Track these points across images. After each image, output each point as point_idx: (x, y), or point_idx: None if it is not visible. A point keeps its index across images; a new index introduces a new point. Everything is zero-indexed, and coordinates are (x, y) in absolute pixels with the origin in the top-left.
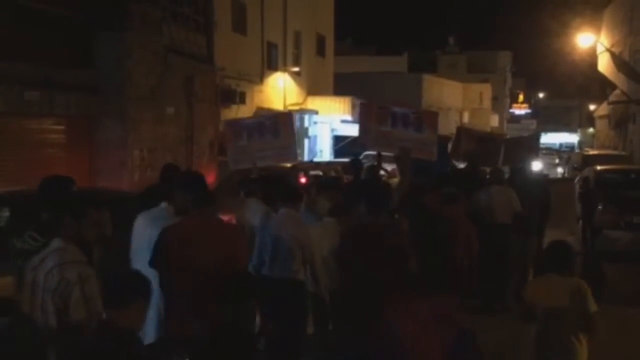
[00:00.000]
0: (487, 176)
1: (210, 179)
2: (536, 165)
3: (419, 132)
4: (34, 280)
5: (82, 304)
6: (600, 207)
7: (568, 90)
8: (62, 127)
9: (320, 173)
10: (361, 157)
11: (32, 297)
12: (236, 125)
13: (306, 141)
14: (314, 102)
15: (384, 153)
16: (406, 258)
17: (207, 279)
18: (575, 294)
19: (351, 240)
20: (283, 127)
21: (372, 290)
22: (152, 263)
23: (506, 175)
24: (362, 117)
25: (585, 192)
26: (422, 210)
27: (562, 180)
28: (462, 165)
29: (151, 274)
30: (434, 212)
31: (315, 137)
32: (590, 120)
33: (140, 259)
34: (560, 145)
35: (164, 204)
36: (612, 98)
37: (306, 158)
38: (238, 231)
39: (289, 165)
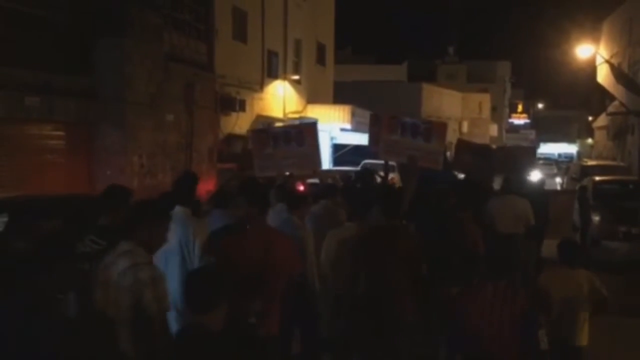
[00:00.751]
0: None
1: (209, 186)
2: (535, 175)
3: (427, 142)
4: (107, 279)
5: (153, 303)
6: (598, 218)
7: (567, 101)
8: (61, 133)
9: (317, 181)
10: (360, 165)
11: (105, 294)
12: (263, 133)
13: None
14: (313, 111)
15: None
16: (419, 258)
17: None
18: (584, 284)
19: (368, 241)
20: (308, 136)
21: (388, 287)
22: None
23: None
24: (373, 127)
25: (582, 203)
26: (436, 215)
27: (562, 192)
28: (461, 176)
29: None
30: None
31: None
32: (588, 131)
33: (169, 258)
34: (559, 155)
35: (178, 207)
36: (610, 109)
37: None
38: (289, 239)
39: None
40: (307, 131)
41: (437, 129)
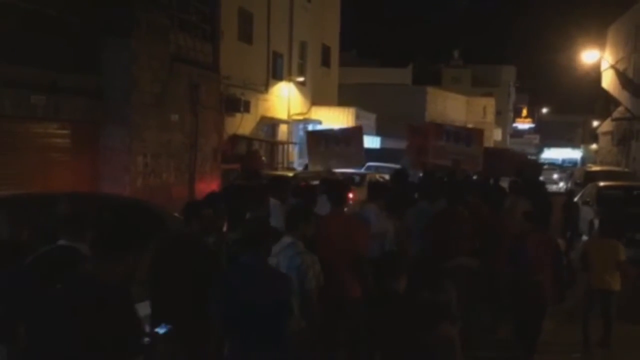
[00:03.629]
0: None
1: (213, 186)
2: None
3: (468, 146)
4: (277, 263)
5: (312, 280)
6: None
7: (572, 106)
8: (67, 132)
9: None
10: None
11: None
12: (317, 134)
13: None
14: (318, 112)
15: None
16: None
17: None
18: (612, 250)
19: (440, 219)
20: (354, 138)
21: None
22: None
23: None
24: (412, 136)
25: (569, 204)
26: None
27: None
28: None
29: None
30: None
31: None
32: (593, 136)
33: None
34: (563, 161)
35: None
36: (615, 115)
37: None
38: (362, 223)
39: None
40: (353, 134)
41: (476, 135)
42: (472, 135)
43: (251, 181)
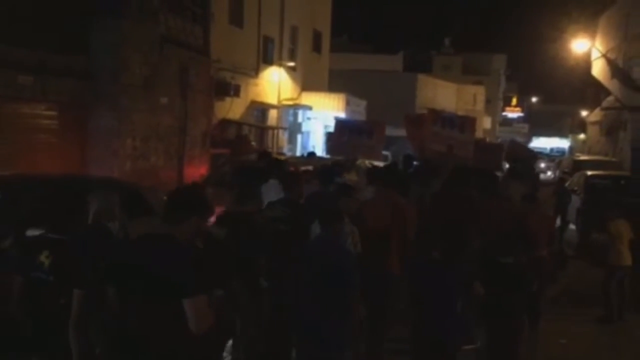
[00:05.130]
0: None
1: (202, 170)
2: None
3: (462, 133)
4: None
5: (351, 246)
6: (589, 213)
7: (561, 96)
8: (54, 113)
9: (311, 168)
10: None
11: None
12: (344, 124)
13: (299, 137)
14: (308, 98)
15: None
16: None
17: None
18: (624, 226)
19: (441, 199)
20: (377, 131)
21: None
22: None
23: None
24: (410, 125)
25: (560, 192)
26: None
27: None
28: None
29: None
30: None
31: (308, 132)
32: (581, 126)
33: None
34: (551, 150)
35: (272, 180)
36: (605, 104)
37: (298, 153)
38: (406, 205)
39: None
40: (376, 128)
41: (469, 122)
42: (465, 123)
43: (261, 161)
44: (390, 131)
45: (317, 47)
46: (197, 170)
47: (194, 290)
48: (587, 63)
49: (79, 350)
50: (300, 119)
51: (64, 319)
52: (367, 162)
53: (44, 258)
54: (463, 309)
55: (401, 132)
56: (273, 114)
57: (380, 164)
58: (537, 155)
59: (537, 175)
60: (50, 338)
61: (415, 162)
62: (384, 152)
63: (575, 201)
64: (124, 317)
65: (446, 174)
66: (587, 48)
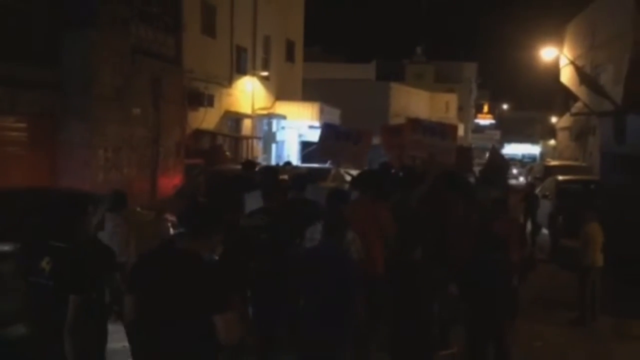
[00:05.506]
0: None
1: (176, 180)
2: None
3: (443, 140)
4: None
5: (355, 253)
6: (560, 217)
7: (531, 102)
8: (24, 125)
9: (286, 177)
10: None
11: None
12: (331, 128)
13: (274, 146)
14: (282, 107)
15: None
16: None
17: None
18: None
19: (427, 204)
20: (364, 138)
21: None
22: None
23: None
24: (387, 135)
25: (529, 197)
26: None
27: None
28: None
29: None
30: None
31: (282, 142)
32: (551, 132)
33: None
34: (523, 156)
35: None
36: (574, 110)
37: (273, 162)
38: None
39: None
40: (364, 135)
41: (450, 129)
42: (446, 130)
43: (247, 171)
44: None
45: (290, 57)
46: (171, 181)
47: (224, 306)
48: (555, 70)
49: (73, 355)
50: (274, 129)
51: (60, 325)
52: (342, 170)
53: (45, 264)
54: (440, 310)
55: (375, 140)
56: (247, 123)
57: (354, 172)
58: (509, 162)
59: (506, 181)
60: (48, 342)
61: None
62: None
63: (547, 206)
64: (141, 329)
65: (430, 180)
66: (556, 55)
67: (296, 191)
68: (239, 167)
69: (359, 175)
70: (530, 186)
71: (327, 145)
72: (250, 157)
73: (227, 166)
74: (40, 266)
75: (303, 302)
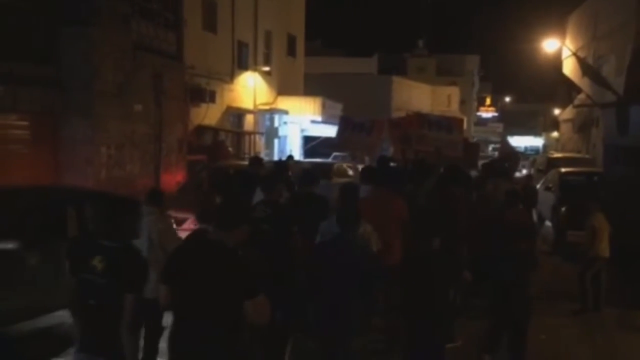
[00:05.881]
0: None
1: (179, 177)
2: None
3: (450, 134)
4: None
5: (373, 245)
6: (564, 209)
7: (533, 95)
8: (26, 123)
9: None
10: (331, 157)
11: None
12: (348, 120)
13: (276, 141)
14: (284, 102)
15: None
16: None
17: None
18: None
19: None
20: (377, 129)
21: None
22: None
23: None
24: (392, 129)
25: (527, 189)
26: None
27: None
28: None
29: None
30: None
31: (285, 137)
32: (554, 124)
33: None
34: (525, 148)
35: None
36: (576, 102)
37: (275, 157)
38: (402, 200)
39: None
40: (376, 125)
41: (455, 122)
42: (452, 124)
43: (255, 168)
44: None
45: (291, 52)
46: (173, 178)
47: (256, 291)
48: (558, 61)
49: (130, 350)
50: (276, 124)
51: (115, 320)
52: (344, 165)
53: (97, 262)
54: (454, 296)
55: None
56: (249, 119)
57: (359, 166)
58: (519, 153)
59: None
60: (107, 340)
61: (392, 164)
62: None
63: (551, 198)
64: (178, 315)
65: (438, 173)
66: (558, 47)
67: (305, 185)
68: (242, 162)
69: (370, 168)
70: (528, 178)
71: (345, 138)
72: (253, 152)
73: (230, 162)
74: (92, 264)
75: (320, 294)
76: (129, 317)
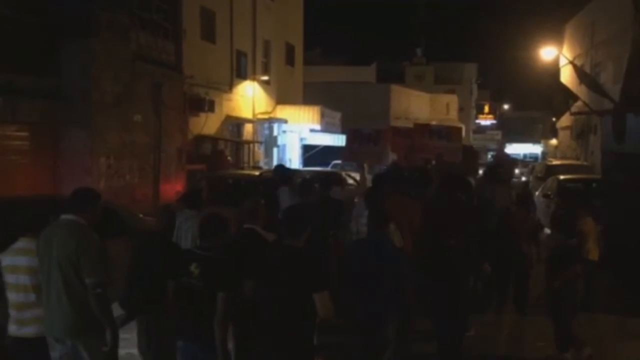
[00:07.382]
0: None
1: (178, 186)
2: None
3: (450, 142)
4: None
5: (397, 241)
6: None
7: (532, 102)
8: (25, 134)
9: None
10: (330, 166)
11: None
12: (354, 132)
13: (275, 150)
14: (283, 111)
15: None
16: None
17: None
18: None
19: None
20: (383, 138)
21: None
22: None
23: None
24: (395, 137)
25: (523, 195)
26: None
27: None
28: None
29: None
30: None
31: (284, 146)
32: (552, 131)
33: None
34: (524, 155)
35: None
36: (574, 109)
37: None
38: (416, 204)
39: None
40: (383, 134)
41: (455, 131)
42: (451, 133)
43: (275, 174)
44: None
45: (290, 61)
46: (173, 187)
47: (324, 286)
48: (555, 69)
49: (220, 341)
50: (275, 133)
51: (211, 317)
52: (344, 173)
53: (194, 268)
54: (475, 285)
55: None
56: (248, 128)
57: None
58: (515, 160)
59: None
60: (203, 330)
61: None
62: None
63: (550, 205)
64: (260, 307)
65: (439, 179)
66: (555, 55)
67: (322, 190)
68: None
69: (385, 174)
70: (524, 185)
71: (353, 149)
72: (252, 162)
73: (229, 171)
74: (190, 270)
75: (353, 287)
76: (220, 312)
